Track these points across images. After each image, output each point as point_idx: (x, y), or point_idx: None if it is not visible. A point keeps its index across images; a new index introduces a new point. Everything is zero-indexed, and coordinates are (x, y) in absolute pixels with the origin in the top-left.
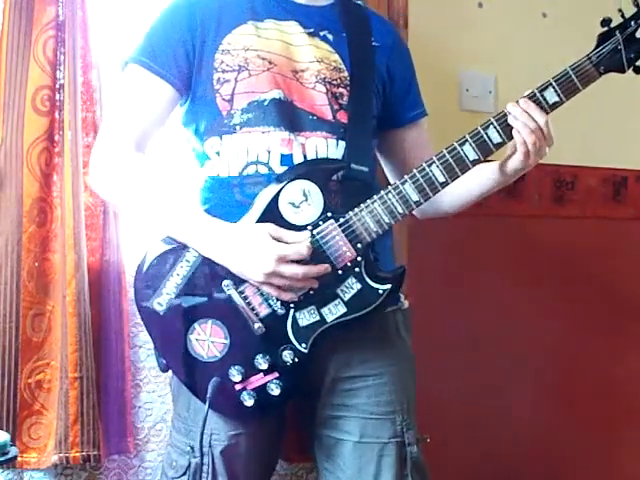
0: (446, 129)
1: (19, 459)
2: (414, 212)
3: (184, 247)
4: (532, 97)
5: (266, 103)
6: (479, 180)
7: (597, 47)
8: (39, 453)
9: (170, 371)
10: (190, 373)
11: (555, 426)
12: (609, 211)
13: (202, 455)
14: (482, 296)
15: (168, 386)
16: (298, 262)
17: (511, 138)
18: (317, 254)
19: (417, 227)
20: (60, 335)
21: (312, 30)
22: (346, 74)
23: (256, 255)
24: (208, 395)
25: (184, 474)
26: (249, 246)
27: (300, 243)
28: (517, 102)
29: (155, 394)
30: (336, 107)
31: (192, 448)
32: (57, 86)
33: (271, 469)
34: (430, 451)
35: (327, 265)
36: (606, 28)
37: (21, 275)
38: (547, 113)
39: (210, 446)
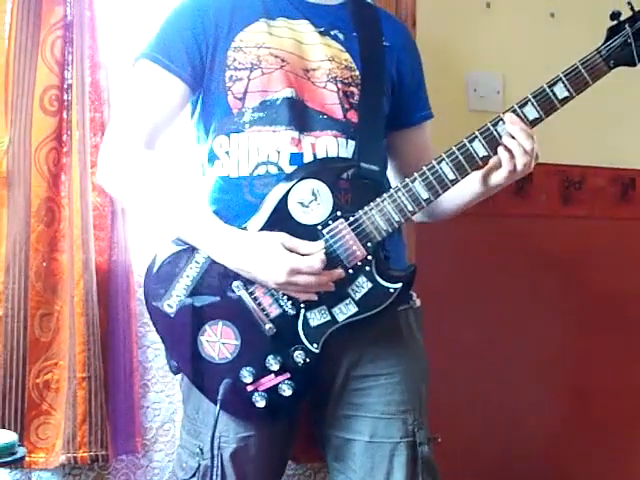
0: (454, 129)
1: (27, 459)
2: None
3: (194, 248)
4: (541, 92)
5: (278, 102)
6: (462, 191)
7: (607, 41)
8: (47, 453)
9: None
10: (201, 375)
11: (566, 426)
12: (617, 211)
13: (212, 457)
14: (491, 296)
15: (175, 386)
16: None
17: None
18: (327, 253)
19: (425, 227)
20: (68, 335)
21: (323, 29)
22: (357, 73)
23: (269, 266)
24: (219, 397)
25: (193, 476)
26: (262, 256)
27: (313, 255)
28: (512, 116)
29: (163, 394)
30: (347, 106)
31: (201, 450)
32: (65, 86)
33: (281, 471)
34: (441, 451)
35: (341, 271)
36: (615, 22)
37: (29, 275)
38: (557, 108)
39: (219, 448)
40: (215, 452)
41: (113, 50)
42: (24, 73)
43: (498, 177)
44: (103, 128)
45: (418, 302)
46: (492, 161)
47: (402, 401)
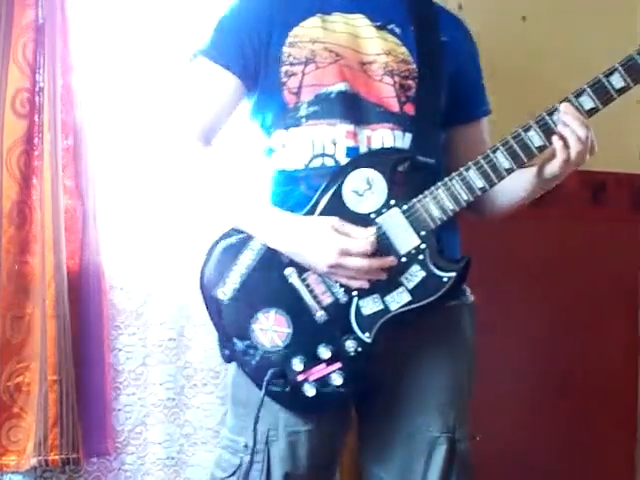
0: None
1: None
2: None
3: (249, 237)
4: (597, 82)
5: (333, 95)
6: (517, 184)
7: None
8: (18, 456)
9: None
10: (252, 363)
11: (534, 421)
12: (588, 214)
13: (254, 448)
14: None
15: (147, 389)
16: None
17: None
18: (381, 241)
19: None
20: (39, 338)
21: (380, 23)
22: (414, 67)
23: (319, 247)
24: (265, 380)
25: (233, 474)
26: (313, 238)
27: (365, 238)
28: (567, 105)
29: (135, 397)
30: (403, 99)
31: (246, 446)
32: (36, 89)
33: (333, 469)
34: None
35: (393, 257)
36: None
37: (0, 277)
38: (615, 98)
39: (267, 442)
40: (261, 446)
41: (84, 53)
42: None
43: (553, 167)
44: (74, 131)
45: (472, 298)
46: (547, 152)
47: (445, 396)
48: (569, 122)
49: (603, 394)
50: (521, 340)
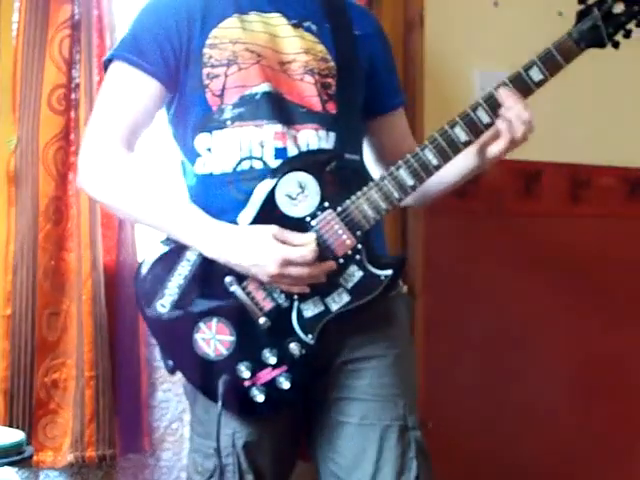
0: None
1: (35, 458)
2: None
3: (183, 247)
4: (518, 76)
5: (257, 97)
6: (451, 171)
7: (577, 23)
8: (55, 452)
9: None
10: (198, 373)
11: (568, 423)
12: (625, 210)
13: (219, 456)
14: (496, 293)
15: (182, 385)
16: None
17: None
18: (318, 244)
19: (434, 225)
20: (76, 334)
21: (296, 21)
22: (332, 64)
23: (261, 258)
24: (219, 392)
25: (211, 477)
26: (253, 249)
27: (305, 246)
28: (505, 89)
29: (171, 393)
30: (325, 98)
31: (216, 450)
32: (73, 85)
33: (294, 465)
34: (439, 441)
35: (332, 263)
36: (584, 5)
37: (37, 274)
38: (534, 91)
39: (234, 446)
40: (229, 450)
41: None
42: (32, 72)
43: (498, 147)
44: None
45: (405, 288)
46: (489, 132)
47: (393, 384)
48: (512, 104)
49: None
50: (551, 336)
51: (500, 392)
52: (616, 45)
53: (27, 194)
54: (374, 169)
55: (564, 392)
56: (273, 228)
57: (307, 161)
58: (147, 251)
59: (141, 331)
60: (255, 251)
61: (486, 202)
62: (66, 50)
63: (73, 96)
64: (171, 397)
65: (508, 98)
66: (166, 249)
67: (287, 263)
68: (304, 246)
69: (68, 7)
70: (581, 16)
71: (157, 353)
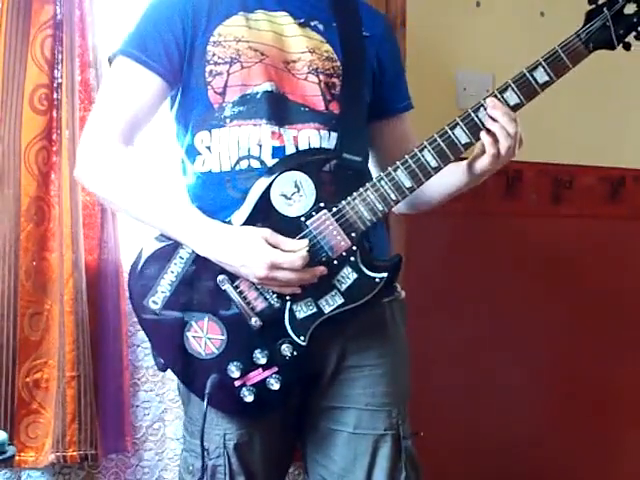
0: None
1: (17, 458)
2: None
3: (177, 244)
4: (521, 77)
5: (258, 96)
6: (447, 181)
7: (585, 24)
8: (37, 452)
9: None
10: (188, 371)
11: (553, 425)
12: (606, 210)
13: (204, 454)
14: (479, 293)
15: (166, 385)
16: None
17: None
18: (312, 245)
19: (416, 225)
20: (58, 334)
21: (303, 20)
22: (338, 64)
23: (250, 260)
24: (206, 391)
25: (202, 477)
26: (244, 250)
27: (296, 252)
28: (494, 101)
29: (153, 393)
30: (329, 97)
31: (207, 450)
32: (55, 85)
33: (287, 464)
34: (426, 448)
35: (323, 268)
36: (594, 5)
37: (19, 274)
38: (538, 93)
39: (225, 446)
40: (220, 450)
41: (103, 49)
42: (14, 72)
43: (483, 163)
44: None
45: (403, 294)
46: (476, 149)
47: (386, 393)
48: (498, 117)
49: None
50: (535, 336)
51: (482, 394)
52: (627, 47)
53: (9, 194)
54: (376, 171)
55: (546, 390)
56: (265, 231)
57: (303, 160)
58: (129, 251)
59: (123, 331)
60: (245, 252)
61: (467, 202)
62: (48, 50)
63: (55, 96)
64: (153, 397)
65: (494, 110)
66: (160, 246)
67: (276, 267)
68: (295, 252)
69: (50, 7)
70: (590, 16)
71: (139, 353)
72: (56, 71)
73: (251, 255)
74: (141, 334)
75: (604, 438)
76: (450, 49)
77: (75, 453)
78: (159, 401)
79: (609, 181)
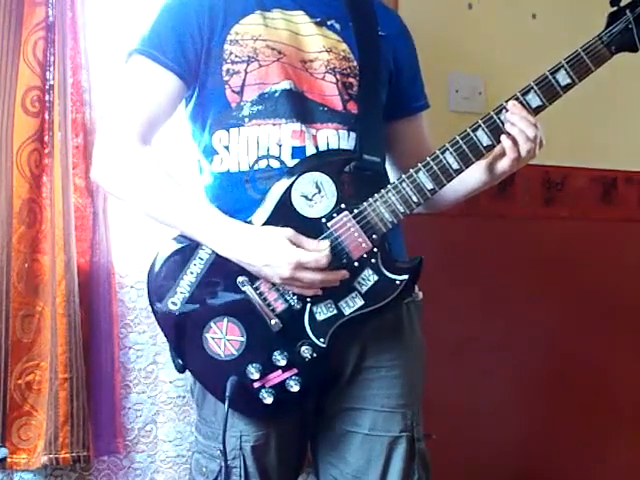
0: (434, 130)
1: (9, 460)
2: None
3: (196, 245)
4: (543, 80)
5: (277, 94)
6: (466, 181)
7: (607, 26)
8: (29, 454)
9: (191, 377)
10: (207, 373)
11: (551, 425)
12: (598, 212)
13: (226, 456)
14: (473, 295)
15: (158, 387)
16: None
17: None
18: (332, 247)
19: (408, 227)
20: (50, 336)
21: (319, 19)
22: (355, 63)
23: (274, 260)
24: (227, 394)
25: (216, 479)
26: (267, 250)
27: (320, 252)
28: (514, 104)
29: (145, 395)
30: (346, 97)
31: (222, 452)
32: (47, 87)
33: (300, 469)
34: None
35: (345, 272)
36: (616, 7)
37: (11, 276)
38: (561, 95)
39: (241, 448)
40: (236, 452)
41: (95, 51)
42: (6, 74)
43: (503, 165)
44: (85, 129)
45: (420, 295)
46: (496, 149)
47: (402, 395)
48: (516, 122)
49: (609, 395)
50: (531, 336)
51: (476, 393)
52: None
53: (1, 196)
54: (392, 171)
55: (539, 392)
56: (288, 231)
57: (324, 161)
58: (121, 254)
59: (115, 333)
60: (268, 252)
61: (459, 203)
62: (40, 52)
63: (47, 98)
64: (145, 399)
65: (513, 115)
66: (179, 246)
67: (301, 267)
68: (319, 252)
69: (42, 9)
70: (612, 19)
71: (131, 355)
72: (48, 73)
73: (275, 255)
74: (133, 336)
75: (600, 437)
76: (442, 51)
77: (67, 455)
78: (151, 403)
79: (601, 182)
